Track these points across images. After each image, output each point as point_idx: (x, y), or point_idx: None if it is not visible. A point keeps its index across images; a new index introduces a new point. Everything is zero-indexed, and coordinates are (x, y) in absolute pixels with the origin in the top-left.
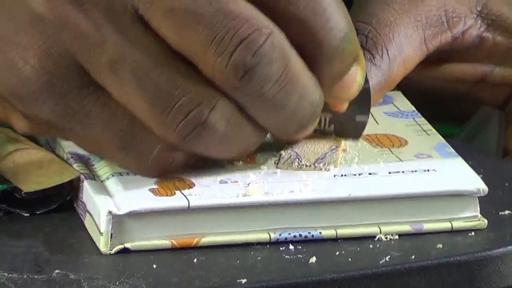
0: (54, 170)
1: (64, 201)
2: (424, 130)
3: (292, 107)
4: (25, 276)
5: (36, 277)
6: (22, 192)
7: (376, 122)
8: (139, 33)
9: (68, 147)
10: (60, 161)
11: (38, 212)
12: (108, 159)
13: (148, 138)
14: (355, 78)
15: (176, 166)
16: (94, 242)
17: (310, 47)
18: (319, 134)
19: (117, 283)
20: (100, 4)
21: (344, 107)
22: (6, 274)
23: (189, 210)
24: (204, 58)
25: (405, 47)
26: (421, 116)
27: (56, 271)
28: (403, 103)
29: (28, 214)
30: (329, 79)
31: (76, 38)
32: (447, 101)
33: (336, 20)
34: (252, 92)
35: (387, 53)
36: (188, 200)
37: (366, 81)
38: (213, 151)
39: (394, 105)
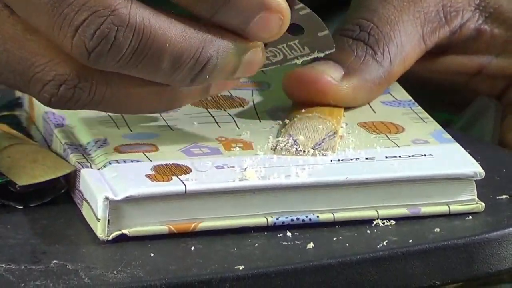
0: (48, 164)
1: (58, 194)
2: (421, 118)
3: (167, 68)
4: (23, 267)
5: (33, 267)
6: (17, 186)
7: (373, 111)
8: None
9: (64, 138)
10: (55, 156)
11: (32, 205)
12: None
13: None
14: (266, 22)
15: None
16: (91, 233)
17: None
18: (301, 58)
19: (115, 272)
20: None
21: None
22: (4, 265)
23: (186, 195)
24: (54, 40)
25: (405, 45)
26: (417, 105)
27: (54, 261)
28: (400, 93)
29: (21, 207)
30: (238, 24)
31: None
32: (444, 92)
33: None
34: (108, 65)
35: (388, 51)
36: (185, 185)
37: (304, 7)
38: (112, 109)
39: (390, 94)
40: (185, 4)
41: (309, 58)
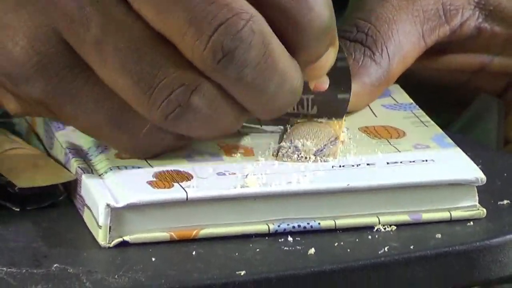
0: (49, 170)
1: (56, 200)
2: (422, 122)
3: (271, 92)
4: (24, 271)
5: (35, 271)
6: (16, 188)
7: (374, 114)
8: (122, 14)
9: (66, 142)
10: (56, 163)
11: (29, 208)
12: (99, 138)
13: (138, 117)
14: (328, 59)
15: (167, 146)
16: (92, 236)
17: (291, 33)
18: (303, 117)
19: (116, 277)
20: None
21: (325, 85)
22: (5, 268)
23: (188, 202)
24: (183, 40)
25: (404, 44)
26: (418, 108)
27: (55, 265)
28: (401, 96)
29: (18, 209)
30: (305, 62)
31: (62, 17)
32: (445, 91)
33: (318, 9)
34: (230, 75)
35: (387, 51)
36: (186, 192)
37: (345, 59)
38: (196, 131)
39: (392, 97)
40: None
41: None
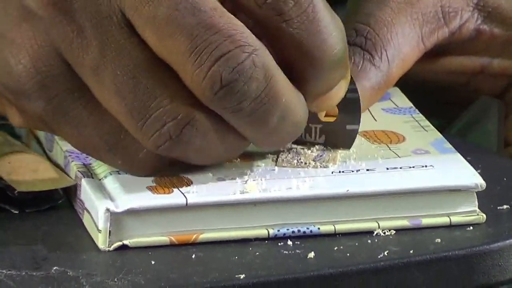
0: (49, 175)
1: (55, 204)
2: (422, 126)
3: (272, 124)
4: (24, 273)
5: (34, 274)
6: (16, 191)
7: (374, 118)
8: (124, 39)
9: (66, 145)
10: (56, 168)
11: (28, 211)
12: (96, 158)
13: (135, 141)
14: (339, 91)
15: (163, 166)
16: (92, 239)
17: (302, 64)
18: (310, 145)
19: (116, 280)
20: (88, 6)
21: (334, 116)
22: (4, 271)
23: (187, 208)
24: (184, 68)
25: (403, 47)
26: (418, 112)
27: (55, 268)
28: (401, 100)
29: (17, 212)
30: (315, 94)
31: (63, 39)
32: (445, 93)
33: (331, 41)
34: (228, 107)
35: (386, 54)
36: (186, 197)
37: (355, 90)
38: (190, 160)
39: (391, 101)
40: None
41: (314, 148)
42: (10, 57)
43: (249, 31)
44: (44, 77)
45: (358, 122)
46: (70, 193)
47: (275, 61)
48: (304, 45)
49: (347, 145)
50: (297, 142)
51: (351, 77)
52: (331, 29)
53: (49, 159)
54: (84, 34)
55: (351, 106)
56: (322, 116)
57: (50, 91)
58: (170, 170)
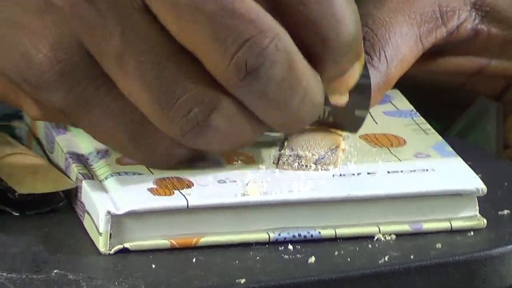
0: (50, 178)
1: (56, 206)
2: (423, 130)
3: (294, 107)
4: (24, 276)
5: (35, 277)
6: (16, 194)
7: (375, 121)
8: (146, 26)
9: (66, 147)
10: (57, 170)
11: (28, 213)
12: (118, 150)
13: (157, 132)
14: (354, 74)
15: (186, 159)
16: (93, 242)
17: (317, 46)
18: (316, 123)
19: (116, 283)
20: None
21: (344, 100)
22: (5, 274)
23: (188, 210)
24: (207, 56)
25: (401, 47)
26: (419, 115)
27: (55, 271)
28: (402, 102)
29: (18, 214)
30: (331, 76)
31: (85, 28)
32: (443, 93)
33: (346, 23)
34: (254, 92)
35: (385, 55)
36: (187, 199)
37: (367, 76)
38: (214, 146)
39: (392, 104)
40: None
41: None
42: (30, 47)
43: (269, 15)
44: (65, 65)
45: (367, 108)
46: (71, 195)
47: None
48: (319, 28)
49: (354, 129)
50: None
51: (365, 63)
52: (345, 11)
53: (50, 161)
54: (106, 22)
55: (362, 92)
56: (332, 99)
57: (71, 80)
58: (191, 163)
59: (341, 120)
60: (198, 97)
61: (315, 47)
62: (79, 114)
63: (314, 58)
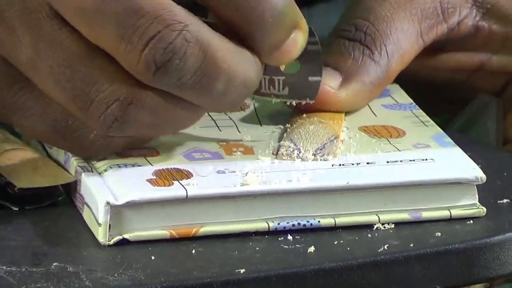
0: (49, 172)
1: (55, 200)
2: (422, 122)
3: (219, 90)
4: (24, 269)
5: (34, 270)
6: (16, 188)
7: (374, 114)
8: (55, 30)
9: None
10: (56, 165)
11: (28, 207)
12: (50, 145)
13: (82, 125)
14: (295, 43)
15: (116, 146)
16: (92, 235)
17: (247, 21)
18: (275, 97)
19: (116, 275)
20: (14, 4)
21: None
22: (4, 267)
23: (187, 200)
24: (118, 54)
25: (402, 42)
26: (418, 108)
27: (55, 263)
28: (401, 96)
29: (17, 209)
30: (268, 48)
31: None
32: (444, 89)
33: None
34: (170, 84)
35: (386, 50)
36: (186, 189)
37: (316, 42)
38: (146, 134)
39: (391, 97)
40: (223, 22)
41: (280, 100)
42: None
43: (179, 7)
44: None
45: (320, 73)
46: (70, 189)
47: (222, 28)
48: (241, 5)
49: (311, 96)
50: (262, 94)
51: (311, 29)
52: None
53: (49, 155)
54: (15, 32)
55: (312, 58)
56: (282, 68)
57: None
58: (127, 150)
59: (297, 89)
60: (113, 94)
61: (243, 25)
62: (6, 115)
63: (246, 36)
